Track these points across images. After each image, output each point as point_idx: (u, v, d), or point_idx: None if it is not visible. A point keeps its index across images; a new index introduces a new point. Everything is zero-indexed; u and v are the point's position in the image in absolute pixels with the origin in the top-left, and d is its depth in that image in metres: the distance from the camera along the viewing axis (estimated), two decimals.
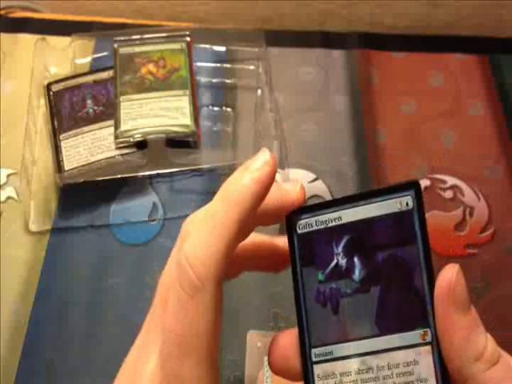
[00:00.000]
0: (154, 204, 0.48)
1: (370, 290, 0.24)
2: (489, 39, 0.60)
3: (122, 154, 0.48)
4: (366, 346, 0.24)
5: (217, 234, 0.23)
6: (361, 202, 0.24)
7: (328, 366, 0.24)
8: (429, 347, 0.23)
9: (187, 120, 0.48)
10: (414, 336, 0.23)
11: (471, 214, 0.49)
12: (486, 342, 0.22)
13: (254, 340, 0.39)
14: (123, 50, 0.52)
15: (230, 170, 0.49)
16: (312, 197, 0.49)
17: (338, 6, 0.63)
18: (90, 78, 0.52)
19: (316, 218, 0.25)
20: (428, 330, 0.23)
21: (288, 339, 0.25)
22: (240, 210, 0.24)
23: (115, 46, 0.53)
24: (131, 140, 0.48)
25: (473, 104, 0.55)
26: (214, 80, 0.55)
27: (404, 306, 0.23)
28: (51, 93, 0.51)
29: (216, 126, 0.52)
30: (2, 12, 0.61)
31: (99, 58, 0.56)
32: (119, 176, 0.48)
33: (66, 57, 0.55)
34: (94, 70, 0.54)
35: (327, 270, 0.25)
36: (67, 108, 0.50)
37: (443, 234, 0.47)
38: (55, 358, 0.41)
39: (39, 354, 0.42)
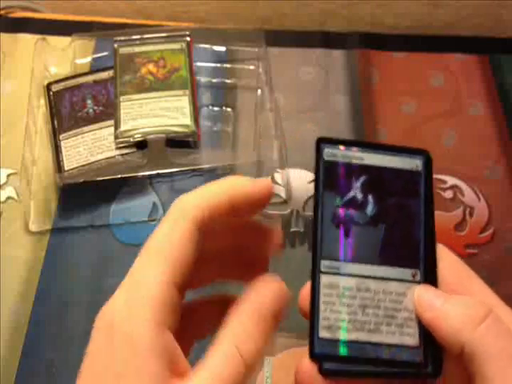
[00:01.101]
0: (154, 204, 0.48)
1: (378, 226, 0.28)
2: (489, 39, 0.60)
3: (122, 154, 0.48)
4: (367, 270, 0.27)
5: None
6: (381, 151, 0.28)
7: (333, 278, 0.27)
8: (417, 286, 0.27)
9: (187, 120, 0.48)
10: (406, 273, 0.27)
11: (471, 214, 0.49)
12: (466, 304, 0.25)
13: None
14: (123, 50, 0.52)
15: (230, 169, 0.50)
16: (312, 197, 0.48)
17: (339, 6, 0.63)
18: (90, 78, 0.52)
19: (342, 152, 0.28)
20: (418, 271, 0.27)
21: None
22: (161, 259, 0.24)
23: (115, 45, 0.53)
24: (131, 140, 0.48)
25: (473, 104, 0.55)
26: (214, 80, 0.55)
27: (403, 247, 0.28)
28: (51, 93, 0.51)
29: (216, 126, 0.52)
30: (2, 12, 0.61)
31: (99, 57, 0.56)
32: (119, 176, 0.48)
33: (66, 57, 0.55)
34: (94, 70, 0.54)
35: (345, 198, 0.28)
36: (67, 108, 0.50)
37: (443, 234, 0.47)
38: (55, 358, 0.41)
39: (39, 354, 0.42)
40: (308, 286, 0.28)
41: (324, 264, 0.27)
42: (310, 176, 0.50)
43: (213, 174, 0.49)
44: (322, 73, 0.57)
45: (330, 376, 0.26)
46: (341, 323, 0.27)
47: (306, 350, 0.27)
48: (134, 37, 0.53)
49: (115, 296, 0.24)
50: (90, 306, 0.43)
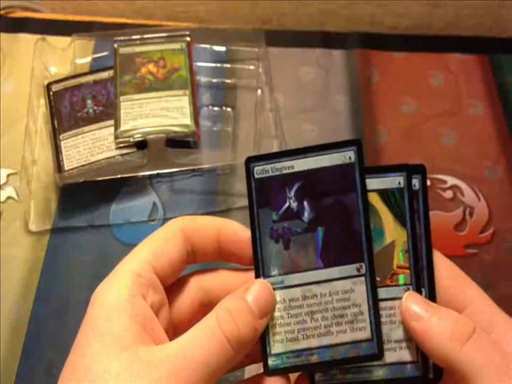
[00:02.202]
0: (154, 204, 0.48)
1: (317, 229, 0.28)
2: (489, 39, 0.60)
3: (122, 154, 0.48)
4: (311, 277, 0.28)
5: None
6: (311, 154, 0.28)
7: (279, 293, 0.28)
8: (363, 278, 0.27)
9: (187, 120, 0.48)
10: (351, 269, 0.28)
11: (471, 214, 0.49)
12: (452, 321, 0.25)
13: None
14: (123, 50, 0.52)
15: (230, 169, 0.50)
16: None
17: (339, 6, 0.63)
18: (90, 78, 0.52)
19: (272, 165, 0.28)
20: (363, 264, 0.27)
21: None
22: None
23: (115, 45, 0.53)
24: (131, 140, 0.48)
25: (473, 104, 0.55)
26: (214, 80, 0.55)
27: (344, 244, 0.28)
28: (51, 93, 0.51)
29: (216, 126, 0.52)
30: (2, 12, 0.61)
31: (99, 58, 0.56)
32: (119, 176, 0.48)
33: (65, 57, 0.55)
34: (94, 70, 0.54)
35: (281, 211, 0.28)
36: (67, 108, 0.50)
37: (443, 234, 0.47)
38: (55, 358, 0.41)
39: (39, 353, 0.42)
40: None
41: (268, 281, 0.28)
42: None
43: (213, 174, 0.49)
44: (321, 73, 0.57)
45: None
46: (291, 335, 0.27)
47: None
48: (134, 37, 0.53)
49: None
50: None
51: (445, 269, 0.28)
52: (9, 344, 0.42)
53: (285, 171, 0.28)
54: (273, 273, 0.28)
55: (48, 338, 0.42)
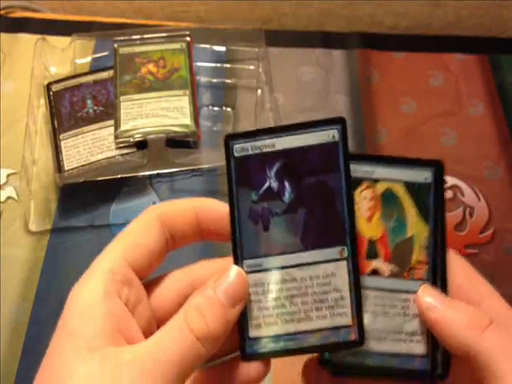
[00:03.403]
0: (154, 204, 0.48)
1: (298, 211, 0.27)
2: (489, 39, 0.60)
3: (122, 154, 0.48)
4: (291, 260, 0.27)
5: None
6: (293, 132, 0.27)
7: (257, 276, 0.27)
8: (345, 262, 0.26)
9: (187, 120, 0.48)
10: (333, 252, 0.26)
11: (471, 214, 0.49)
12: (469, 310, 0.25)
13: None
14: (123, 50, 0.52)
15: None
16: None
17: (338, 6, 0.63)
18: (90, 78, 0.52)
19: (251, 143, 0.27)
20: (345, 247, 0.26)
21: None
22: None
23: (115, 45, 0.53)
24: (131, 140, 0.48)
25: (473, 104, 0.55)
26: (214, 80, 0.55)
27: (326, 226, 0.27)
28: (51, 93, 0.51)
29: (216, 126, 0.52)
30: (2, 12, 0.61)
31: (99, 58, 0.56)
32: (119, 176, 0.48)
33: (66, 57, 0.55)
34: (93, 70, 0.54)
35: (260, 191, 0.27)
36: (67, 108, 0.50)
37: None
38: None
39: (39, 354, 0.41)
40: None
41: (247, 264, 0.27)
42: None
43: (213, 174, 0.49)
44: (321, 73, 0.57)
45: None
46: (269, 319, 0.27)
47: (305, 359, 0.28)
48: (134, 37, 0.53)
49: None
50: None
51: (458, 266, 0.28)
52: (9, 344, 0.42)
53: (265, 149, 0.27)
54: (251, 255, 0.27)
55: (48, 338, 0.42)
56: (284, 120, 0.51)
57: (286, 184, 0.27)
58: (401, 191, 0.28)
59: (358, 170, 0.28)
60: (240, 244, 0.27)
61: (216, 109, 0.53)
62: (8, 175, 0.50)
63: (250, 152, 0.27)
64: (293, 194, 0.27)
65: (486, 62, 0.57)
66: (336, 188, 0.27)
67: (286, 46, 0.58)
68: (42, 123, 0.51)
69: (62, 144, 0.48)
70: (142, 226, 0.27)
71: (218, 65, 0.56)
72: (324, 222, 0.27)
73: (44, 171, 0.49)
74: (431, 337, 0.27)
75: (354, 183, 0.27)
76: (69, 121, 0.49)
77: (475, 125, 0.53)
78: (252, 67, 0.56)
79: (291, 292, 0.26)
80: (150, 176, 0.49)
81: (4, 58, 0.57)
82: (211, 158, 0.50)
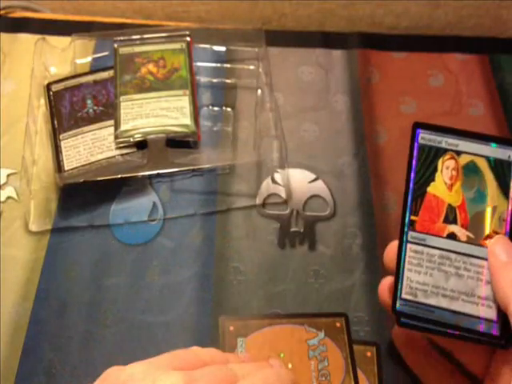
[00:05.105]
0: (154, 204, 0.48)
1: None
2: (489, 39, 0.60)
3: (122, 154, 0.48)
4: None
5: None
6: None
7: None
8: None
9: (187, 120, 0.48)
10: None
11: None
12: None
13: (226, 325, 0.40)
14: (123, 50, 0.52)
15: (230, 169, 0.50)
16: (312, 197, 0.49)
17: (338, 6, 0.63)
18: (90, 78, 0.52)
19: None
20: None
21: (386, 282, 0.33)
22: None
23: (115, 45, 0.53)
24: (131, 140, 0.48)
25: (473, 104, 0.55)
26: (214, 80, 0.55)
27: None
28: (51, 93, 0.51)
29: (216, 126, 0.52)
30: (2, 12, 0.61)
31: (99, 58, 0.56)
32: (119, 176, 0.48)
33: (66, 57, 0.55)
34: (93, 70, 0.54)
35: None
36: (67, 108, 0.50)
37: None
38: (55, 358, 0.41)
39: (39, 353, 0.42)
40: (394, 244, 0.31)
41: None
42: (310, 176, 0.50)
43: (213, 174, 0.49)
44: (321, 73, 0.57)
45: (406, 328, 0.30)
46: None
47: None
48: (134, 37, 0.53)
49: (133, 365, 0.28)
50: (90, 306, 0.43)
51: None
52: (9, 344, 0.42)
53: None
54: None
55: (48, 338, 0.42)
56: (284, 120, 0.51)
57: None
58: (484, 165, 0.30)
59: (443, 141, 0.31)
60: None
61: (216, 109, 0.53)
62: (8, 175, 0.50)
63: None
64: None
65: (486, 62, 0.57)
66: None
67: (285, 45, 0.58)
68: (42, 123, 0.51)
69: (62, 144, 0.48)
70: None
71: (218, 65, 0.56)
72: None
73: (44, 171, 0.49)
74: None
75: (438, 153, 0.31)
76: (69, 121, 0.49)
77: (475, 125, 0.53)
78: (252, 67, 0.56)
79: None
80: (150, 176, 0.49)
81: (4, 58, 0.57)
82: (211, 158, 0.50)
